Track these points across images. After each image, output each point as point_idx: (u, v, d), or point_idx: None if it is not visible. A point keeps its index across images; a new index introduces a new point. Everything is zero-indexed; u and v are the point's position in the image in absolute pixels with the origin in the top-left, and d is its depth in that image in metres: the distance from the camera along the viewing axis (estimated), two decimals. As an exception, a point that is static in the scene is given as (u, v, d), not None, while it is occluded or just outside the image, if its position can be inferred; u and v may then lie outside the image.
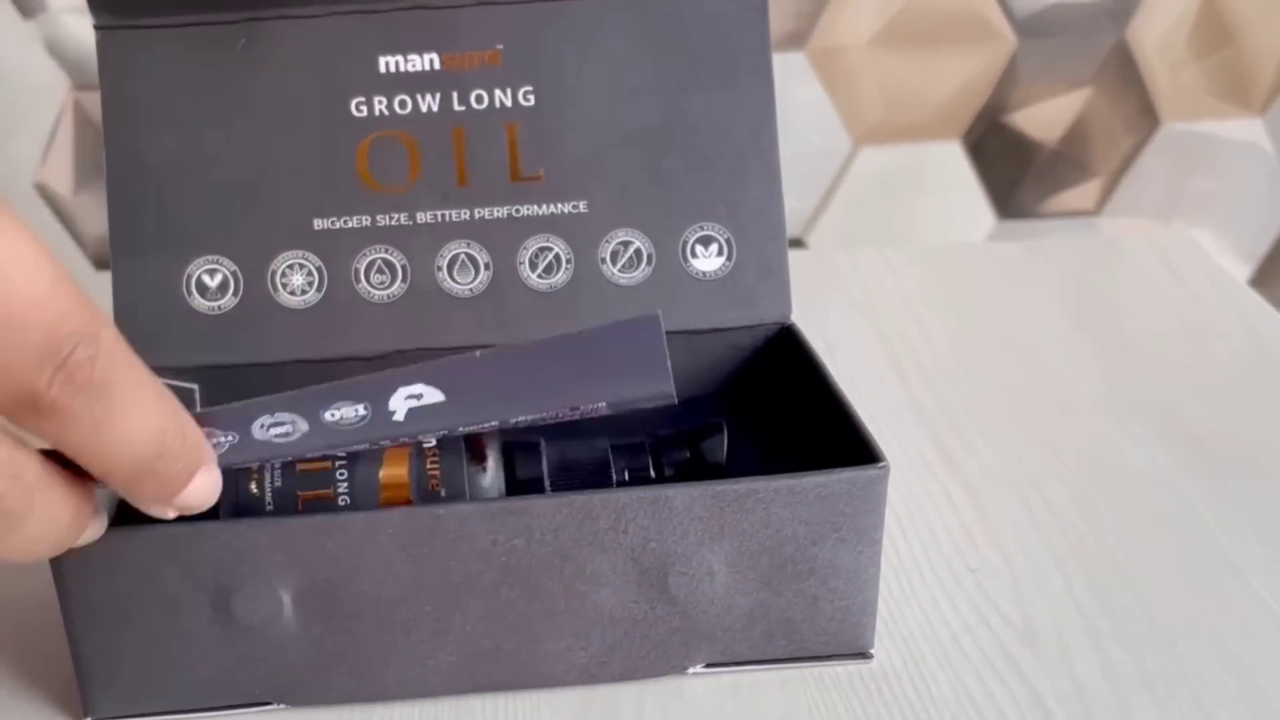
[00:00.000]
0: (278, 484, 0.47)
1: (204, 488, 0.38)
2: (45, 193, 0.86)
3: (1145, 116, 0.88)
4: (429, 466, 0.48)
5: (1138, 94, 0.88)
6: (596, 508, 0.44)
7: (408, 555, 0.44)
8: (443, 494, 0.47)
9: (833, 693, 0.47)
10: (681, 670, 0.47)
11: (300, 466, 0.48)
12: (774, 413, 0.55)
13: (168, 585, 0.43)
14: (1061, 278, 0.78)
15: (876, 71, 0.86)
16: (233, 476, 0.47)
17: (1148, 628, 0.50)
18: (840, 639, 0.47)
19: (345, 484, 0.47)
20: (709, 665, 0.47)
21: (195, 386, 0.54)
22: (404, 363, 0.53)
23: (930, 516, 0.57)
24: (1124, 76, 0.87)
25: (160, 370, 0.52)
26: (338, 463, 0.48)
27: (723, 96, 0.55)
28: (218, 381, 0.53)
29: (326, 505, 0.47)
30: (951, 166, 0.89)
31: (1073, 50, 0.86)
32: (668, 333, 0.54)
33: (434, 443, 0.48)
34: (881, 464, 0.45)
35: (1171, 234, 0.86)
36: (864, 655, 0.48)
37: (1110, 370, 0.68)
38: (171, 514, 0.39)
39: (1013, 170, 0.90)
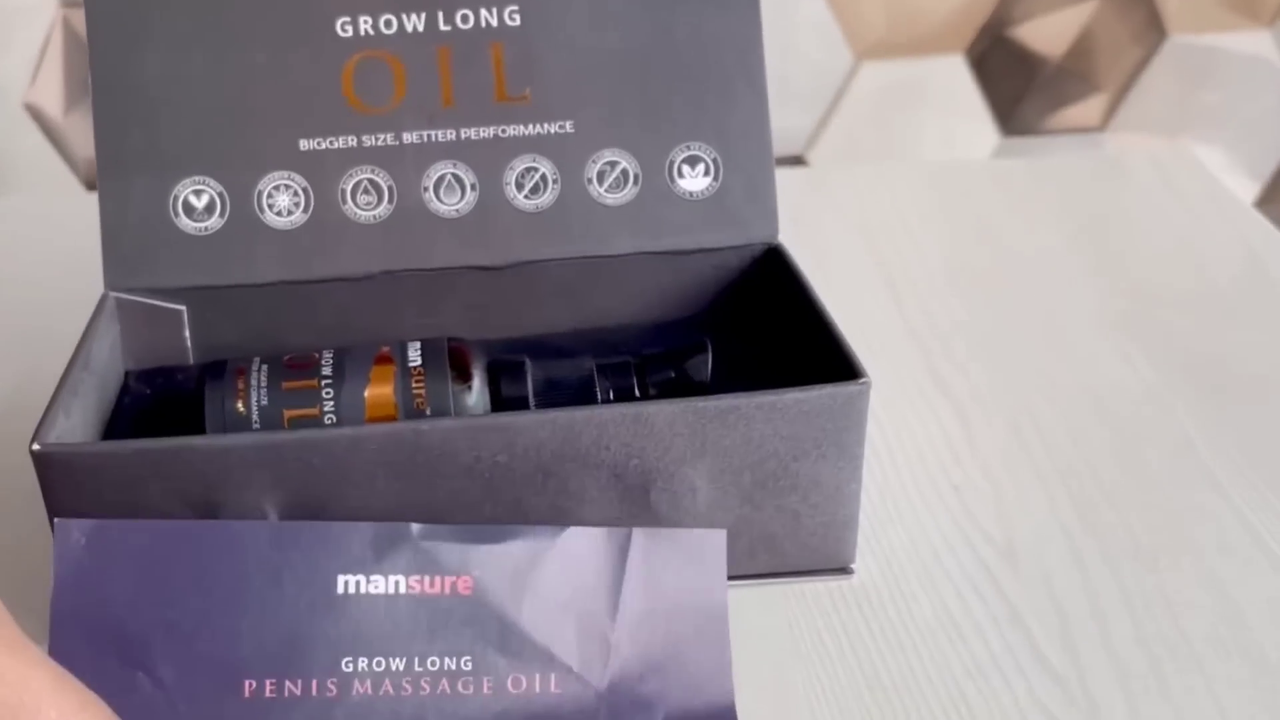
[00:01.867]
0: (264, 402, 0.48)
1: None
2: (35, 113, 0.85)
3: (1152, 29, 0.87)
4: (414, 386, 0.48)
5: (1144, 6, 0.86)
6: (579, 424, 0.44)
7: (392, 472, 0.44)
8: (428, 413, 0.48)
9: (813, 609, 0.48)
10: (665, 585, 0.48)
11: (286, 384, 0.48)
12: (760, 333, 0.55)
13: (154, 500, 0.44)
14: (1062, 197, 0.78)
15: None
16: (219, 395, 0.48)
17: (1129, 546, 0.50)
18: (822, 554, 0.48)
19: (331, 403, 0.48)
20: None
21: (183, 308, 0.54)
22: (391, 284, 0.54)
23: (917, 436, 0.57)
24: (1131, -13, 0.86)
25: (148, 292, 0.53)
26: (324, 381, 0.48)
27: (710, 16, 0.55)
28: (204, 303, 0.54)
29: (313, 424, 0.47)
30: (955, 82, 0.88)
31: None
32: (653, 254, 0.55)
33: (419, 360, 0.48)
34: (863, 380, 0.45)
35: (1175, 152, 0.85)
36: (845, 570, 0.49)
37: (1106, 291, 0.68)
38: None
39: (1017, 85, 0.89)
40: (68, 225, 0.63)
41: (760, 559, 0.47)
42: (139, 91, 0.53)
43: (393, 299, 0.54)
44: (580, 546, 0.43)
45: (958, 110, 0.90)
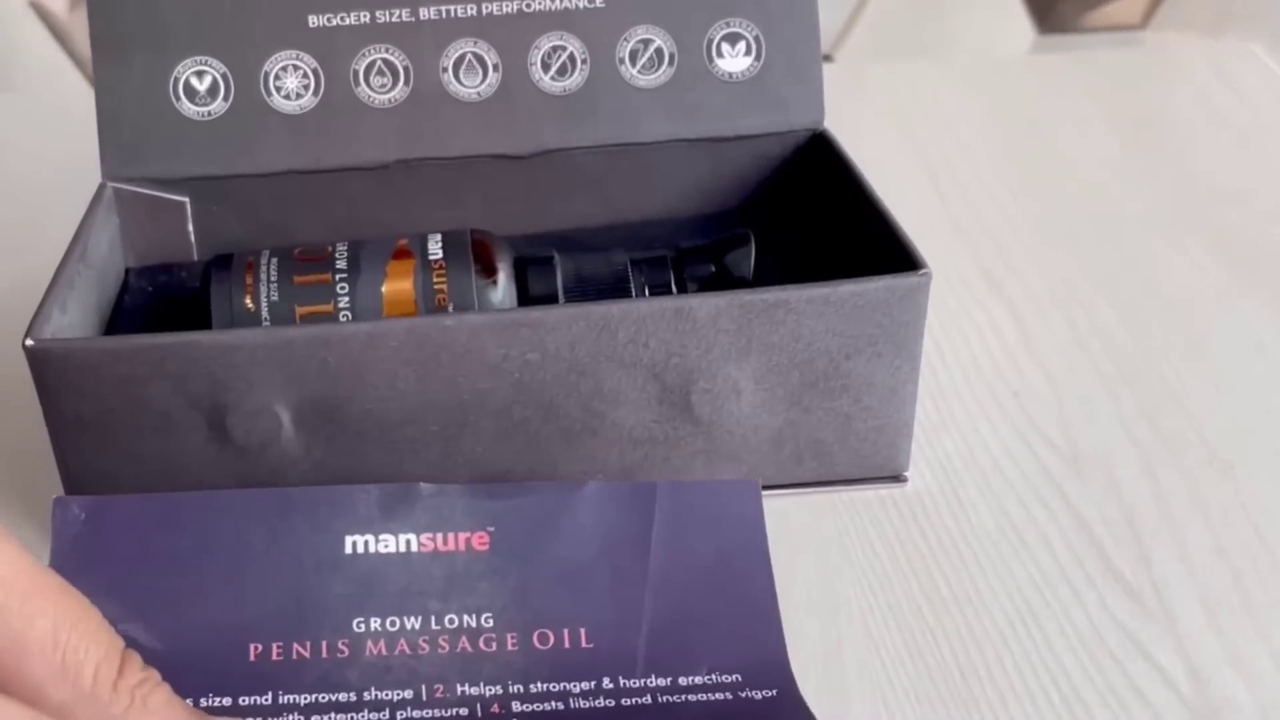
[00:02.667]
0: (274, 298, 0.44)
1: None
2: (40, 10, 0.81)
3: None
4: (436, 280, 0.44)
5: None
6: (615, 320, 0.41)
7: (413, 371, 0.41)
8: (451, 310, 0.44)
9: (864, 518, 0.44)
10: (706, 493, 0.44)
11: (298, 279, 0.45)
12: (806, 226, 0.51)
13: (157, 402, 0.40)
14: (1110, 92, 0.74)
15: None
16: (226, 290, 0.45)
17: (1201, 453, 0.47)
18: (873, 461, 0.45)
19: (346, 299, 0.44)
20: (735, 488, 0.44)
21: (186, 199, 0.50)
22: (406, 174, 0.50)
23: (970, 339, 0.53)
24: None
25: (149, 182, 0.49)
26: (338, 276, 0.44)
27: (750, -118, 0.51)
28: (208, 193, 0.50)
29: (327, 320, 0.44)
30: None
31: None
32: (689, 140, 0.51)
33: (440, 254, 0.45)
34: (923, 271, 0.42)
35: (1225, 46, 0.81)
36: (898, 479, 0.45)
37: (1162, 187, 0.64)
38: None
39: None
40: (70, 121, 0.59)
41: (807, 466, 0.44)
42: (135, -36, 0.50)
43: (409, 190, 0.51)
44: (602, 501, 0.41)
45: (991, 5, 0.85)
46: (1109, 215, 0.62)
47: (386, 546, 0.40)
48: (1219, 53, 0.78)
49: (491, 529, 0.40)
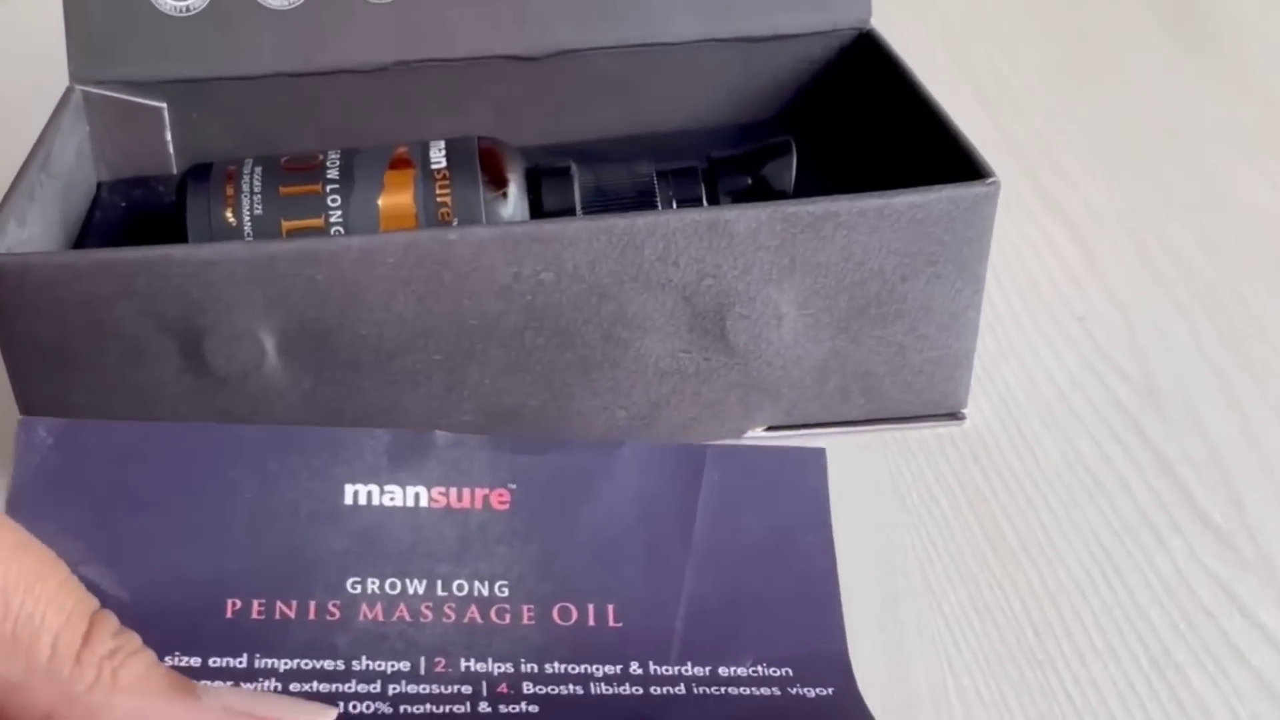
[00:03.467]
0: (258, 211, 0.39)
1: None
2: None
3: None
4: (439, 192, 0.40)
5: None
6: (641, 234, 0.36)
7: (413, 292, 0.36)
8: (455, 223, 0.39)
9: (920, 459, 0.40)
10: (738, 434, 0.40)
11: (284, 190, 0.40)
12: (851, 135, 0.46)
13: (124, 325, 0.36)
14: None
15: None
16: (204, 202, 0.40)
17: (1293, 385, 0.42)
18: (928, 397, 0.40)
19: (339, 212, 0.39)
20: (771, 428, 0.40)
21: (163, 105, 0.45)
22: (406, 77, 0.45)
23: (1028, 261, 0.48)
24: None
25: (121, 85, 0.45)
26: (329, 186, 0.40)
27: None
28: (188, 98, 0.45)
29: (317, 235, 0.39)
30: None
31: None
32: (721, 40, 0.46)
33: (444, 163, 0.40)
34: (990, 180, 0.37)
35: None
36: (956, 416, 0.41)
37: (1232, 100, 0.59)
38: None
39: None
40: (38, 17, 0.54)
41: (855, 403, 0.39)
42: None
43: (409, 95, 0.46)
44: (642, 464, 0.35)
45: None
46: (1175, 128, 0.57)
47: (392, 499, 0.35)
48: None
49: (513, 486, 0.35)
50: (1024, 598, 0.35)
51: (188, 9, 0.45)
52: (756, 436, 0.40)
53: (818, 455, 0.36)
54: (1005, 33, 0.65)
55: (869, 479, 0.39)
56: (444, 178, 0.40)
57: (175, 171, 0.46)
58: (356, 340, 0.37)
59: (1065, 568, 0.36)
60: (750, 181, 0.41)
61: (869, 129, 0.45)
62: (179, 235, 0.40)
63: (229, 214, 0.39)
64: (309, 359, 0.37)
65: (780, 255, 0.37)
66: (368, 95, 0.46)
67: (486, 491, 0.35)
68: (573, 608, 0.34)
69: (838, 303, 0.38)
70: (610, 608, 0.34)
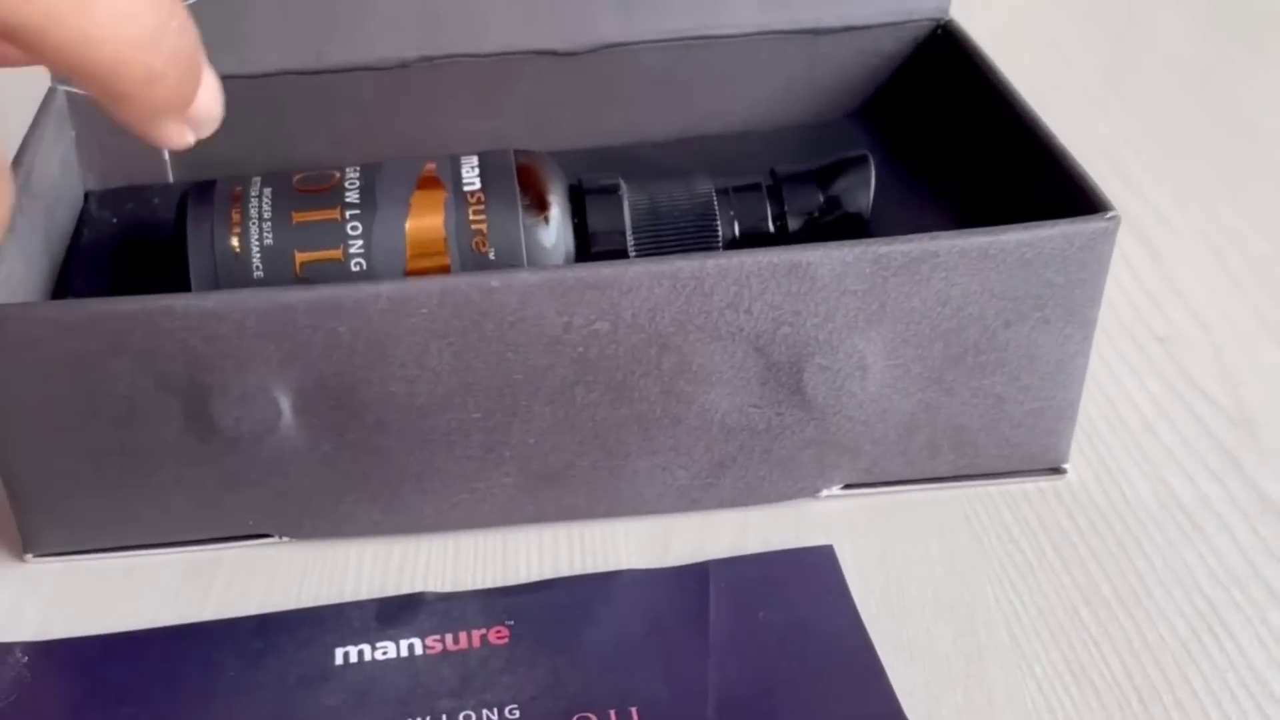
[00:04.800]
0: (269, 241, 0.35)
1: (212, 106, 0.29)
2: None
3: None
4: (473, 218, 0.35)
5: None
6: (711, 279, 0.31)
7: (449, 344, 0.31)
8: (491, 256, 0.35)
9: (999, 502, 0.36)
10: (812, 492, 0.35)
11: (298, 216, 0.35)
12: (929, 140, 0.41)
13: (119, 384, 0.31)
14: None
15: None
16: (207, 229, 0.35)
17: None
18: (1027, 451, 0.35)
19: (359, 242, 0.35)
20: (848, 486, 0.35)
21: (158, 105, 0.40)
22: (430, 75, 0.41)
23: (1100, 275, 0.44)
24: None
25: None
26: (349, 213, 0.35)
27: None
28: (187, 98, 0.40)
29: (335, 270, 0.34)
30: None
31: None
32: (782, 32, 0.41)
33: (477, 183, 0.35)
34: (1110, 214, 0.32)
35: None
36: (1057, 471, 0.36)
37: None
38: (188, 137, 0.28)
39: None
40: None
41: (944, 458, 0.35)
42: None
43: (433, 94, 0.41)
44: (643, 588, 0.33)
45: None
46: (1248, 129, 0.52)
47: (385, 654, 0.32)
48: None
49: (511, 623, 0.32)
50: (1124, 657, 0.32)
51: (184, -2, 0.40)
52: (831, 494, 0.35)
53: (827, 552, 0.34)
54: (1062, 35, 0.60)
55: (943, 521, 0.35)
56: (479, 201, 0.35)
57: (171, 179, 0.42)
58: (385, 398, 0.32)
59: (1168, 622, 0.32)
60: (822, 200, 0.37)
61: (949, 134, 0.41)
62: (178, 261, 0.35)
63: (235, 242, 0.35)
64: (330, 419, 0.32)
65: (868, 300, 0.32)
66: (388, 95, 0.41)
67: (484, 631, 0.32)
68: (593, 716, 0.30)
69: (931, 351, 0.33)
70: (634, 710, 0.30)
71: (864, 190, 0.37)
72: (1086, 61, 0.58)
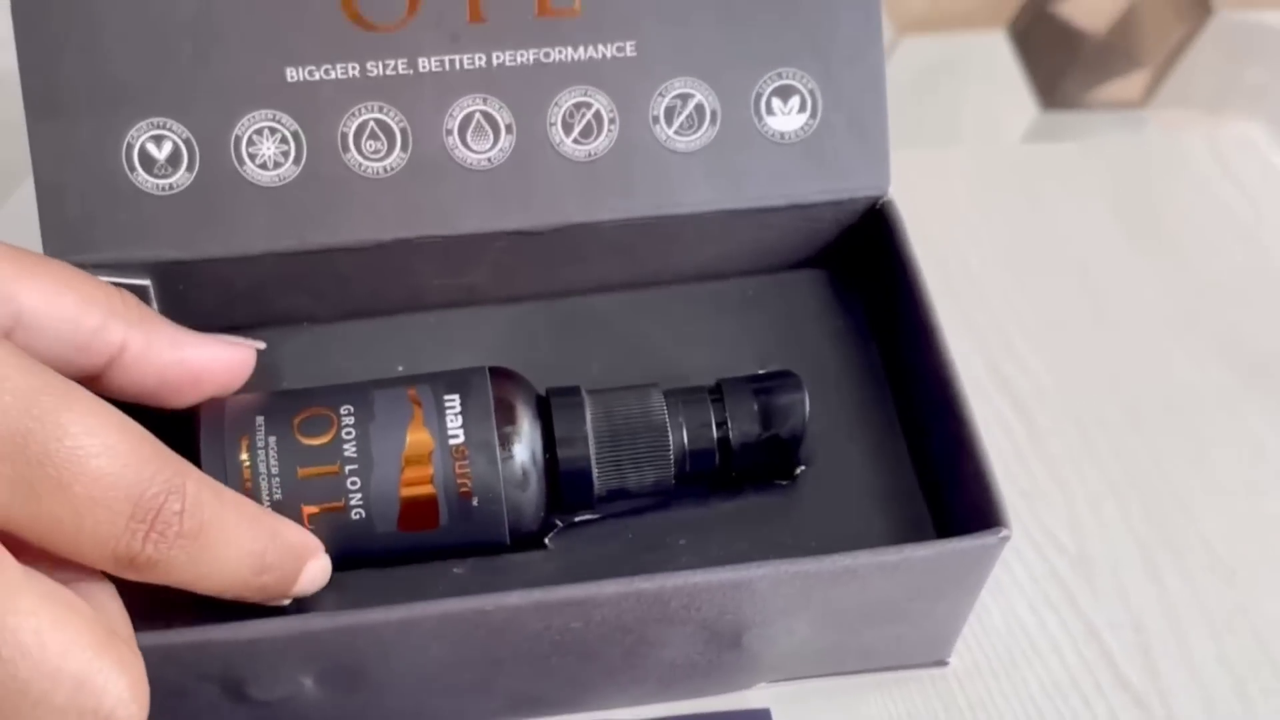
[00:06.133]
0: (277, 495, 0.39)
1: (313, 578, 0.38)
2: None
3: (1198, 5, 0.76)
4: (458, 471, 0.40)
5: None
6: (669, 593, 0.37)
7: (447, 642, 0.38)
8: (475, 503, 0.40)
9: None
10: (746, 687, 0.43)
11: (302, 472, 0.40)
12: (867, 295, 0.47)
13: (168, 682, 0.37)
14: (1113, 180, 0.63)
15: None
16: (220, 458, 0.40)
17: (1205, 558, 0.47)
18: (920, 652, 0.43)
19: (359, 494, 0.40)
20: (773, 681, 0.43)
21: (148, 282, 0.43)
22: (405, 252, 0.44)
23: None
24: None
25: (102, 269, 0.42)
26: (348, 467, 0.40)
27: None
28: (176, 278, 0.43)
29: (337, 519, 0.40)
30: (996, 57, 0.77)
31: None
32: (737, 211, 0.44)
33: (461, 437, 0.40)
34: (1003, 533, 0.38)
35: (1226, 130, 0.70)
36: (940, 663, 0.44)
37: (1165, 282, 0.57)
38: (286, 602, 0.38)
39: (1059, 61, 0.77)
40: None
41: (849, 664, 0.43)
42: (76, 2, 0.40)
43: (408, 264, 0.44)
44: None
45: (998, 85, 0.78)
46: (1114, 311, 0.57)
47: None
48: (1220, 138, 0.66)
49: None
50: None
51: (171, 187, 0.42)
52: (760, 687, 0.43)
53: (763, 715, 0.41)
54: (970, 214, 0.61)
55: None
56: (463, 455, 0.40)
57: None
58: (391, 675, 0.38)
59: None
60: (762, 431, 0.42)
61: (881, 295, 0.46)
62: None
63: (245, 479, 0.39)
64: (345, 687, 0.39)
65: (798, 600, 0.38)
66: (366, 267, 0.44)
67: None
68: None
69: (846, 619, 0.40)
70: None
71: (799, 411, 0.42)
72: (988, 244, 0.60)
